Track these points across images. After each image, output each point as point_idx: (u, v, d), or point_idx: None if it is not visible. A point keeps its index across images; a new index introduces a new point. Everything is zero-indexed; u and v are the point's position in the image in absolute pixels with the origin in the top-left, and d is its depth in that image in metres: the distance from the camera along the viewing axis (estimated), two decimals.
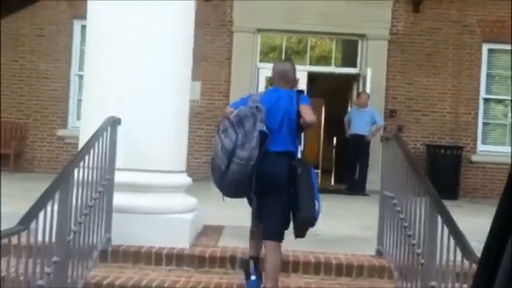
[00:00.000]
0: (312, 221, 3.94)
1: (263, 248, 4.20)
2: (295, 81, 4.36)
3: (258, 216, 4.10)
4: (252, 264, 4.19)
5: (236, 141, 3.80)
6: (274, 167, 3.94)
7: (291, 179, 3.93)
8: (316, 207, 3.92)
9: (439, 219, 3.47)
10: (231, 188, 3.96)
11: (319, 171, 16.73)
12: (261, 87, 11.60)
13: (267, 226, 4.04)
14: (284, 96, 4.11)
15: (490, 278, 0.89)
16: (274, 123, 4.00)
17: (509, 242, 0.86)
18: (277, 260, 4.01)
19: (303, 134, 5.07)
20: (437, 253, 3.48)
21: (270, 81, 4.40)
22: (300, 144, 4.25)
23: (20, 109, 11.62)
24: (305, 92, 4.35)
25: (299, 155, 4.32)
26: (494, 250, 0.90)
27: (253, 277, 4.15)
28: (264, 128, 3.88)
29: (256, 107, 3.93)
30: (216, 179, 4.00)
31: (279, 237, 4.03)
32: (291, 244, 5.13)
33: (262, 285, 4.16)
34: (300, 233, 4.04)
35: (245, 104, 4.02)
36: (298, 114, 4.04)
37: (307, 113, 4.02)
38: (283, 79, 4.24)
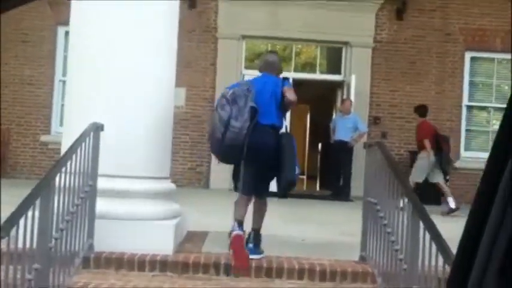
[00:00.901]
0: (292, 181, 4.84)
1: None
2: (280, 70, 5.32)
3: (251, 185, 4.84)
4: (238, 223, 4.79)
5: (231, 114, 4.64)
6: (263, 137, 4.78)
7: (276, 147, 4.79)
8: (296, 172, 4.80)
9: (421, 224, 3.50)
10: (226, 153, 4.79)
11: (304, 177, 16.78)
12: None
13: (256, 186, 4.89)
14: (270, 81, 5.03)
15: (464, 277, 0.90)
16: (263, 101, 4.83)
17: (483, 238, 0.87)
18: (263, 210, 4.97)
19: None
20: (420, 258, 3.51)
21: (259, 69, 5.41)
22: (285, 119, 5.13)
23: (3, 114, 11.50)
24: (289, 80, 5.29)
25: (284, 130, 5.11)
26: (468, 248, 0.91)
27: (238, 228, 4.75)
28: (254, 105, 4.72)
29: (247, 88, 4.80)
30: (214, 147, 4.88)
31: (265, 194, 5.00)
32: (275, 249, 5.14)
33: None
34: (282, 194, 4.96)
35: (238, 87, 4.88)
36: (282, 96, 4.92)
37: (289, 93, 4.93)
38: (269, 67, 5.21)
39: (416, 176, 9.18)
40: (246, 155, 4.68)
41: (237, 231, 4.70)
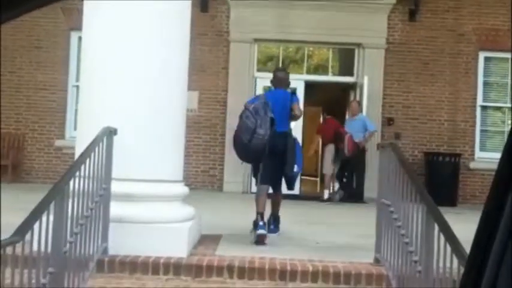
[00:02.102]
0: (289, 177, 6.04)
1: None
2: (288, 84, 6.49)
3: (269, 178, 5.93)
4: (260, 217, 5.76)
5: (256, 123, 5.59)
6: (279, 141, 5.84)
7: (285, 148, 5.92)
8: (295, 169, 5.98)
9: (436, 226, 3.47)
10: (251, 155, 5.79)
11: (317, 179, 16.73)
12: None
13: (273, 178, 5.95)
14: (282, 95, 6.19)
15: (477, 279, 0.89)
16: (277, 112, 5.83)
17: (497, 236, 0.87)
18: (279, 200, 6.18)
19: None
20: (434, 260, 3.48)
21: (271, 83, 6.56)
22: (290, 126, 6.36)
23: (17, 120, 11.63)
24: (297, 94, 6.54)
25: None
26: (481, 249, 0.90)
27: (261, 223, 5.73)
28: (272, 115, 5.72)
29: (264, 102, 5.81)
30: (239, 151, 5.86)
31: (280, 186, 6.10)
32: (289, 252, 5.13)
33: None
34: (289, 187, 6.19)
35: (257, 101, 5.91)
36: (290, 108, 6.09)
37: (296, 109, 6.15)
38: (280, 83, 6.37)
39: (325, 168, 10.77)
40: (266, 155, 5.72)
41: (260, 231, 5.71)
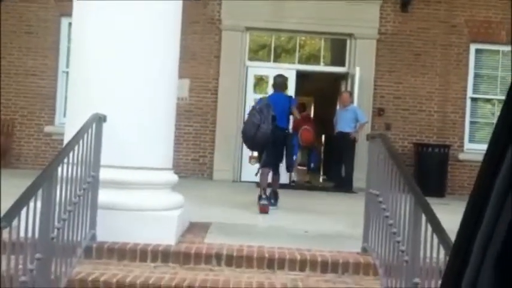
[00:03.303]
0: (290, 165, 7.85)
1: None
2: (286, 87, 8.19)
3: (269, 162, 7.25)
4: (263, 192, 7.12)
5: (260, 119, 6.91)
6: (278, 134, 7.24)
7: (284, 141, 7.48)
8: (294, 159, 8.20)
9: (423, 216, 3.49)
10: (257, 145, 7.20)
11: (305, 168, 16.80)
12: (250, 85, 11.67)
13: (273, 162, 7.31)
14: (282, 98, 7.70)
15: (461, 268, 0.90)
16: (277, 112, 7.21)
17: (483, 223, 0.87)
18: (278, 180, 7.65)
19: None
20: (421, 250, 3.50)
21: (272, 87, 8.07)
22: (289, 123, 7.97)
23: (7, 105, 11.55)
24: (293, 97, 8.58)
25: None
26: (465, 240, 0.91)
27: (263, 196, 7.09)
28: (274, 114, 7.07)
29: (267, 103, 7.14)
30: (247, 142, 7.29)
31: (277, 169, 7.55)
32: (277, 240, 5.15)
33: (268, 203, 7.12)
34: (288, 170, 8.19)
35: (261, 103, 7.25)
36: (289, 108, 7.68)
37: (295, 112, 7.93)
38: (279, 87, 7.87)
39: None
40: (269, 145, 7.06)
41: (263, 202, 7.04)
